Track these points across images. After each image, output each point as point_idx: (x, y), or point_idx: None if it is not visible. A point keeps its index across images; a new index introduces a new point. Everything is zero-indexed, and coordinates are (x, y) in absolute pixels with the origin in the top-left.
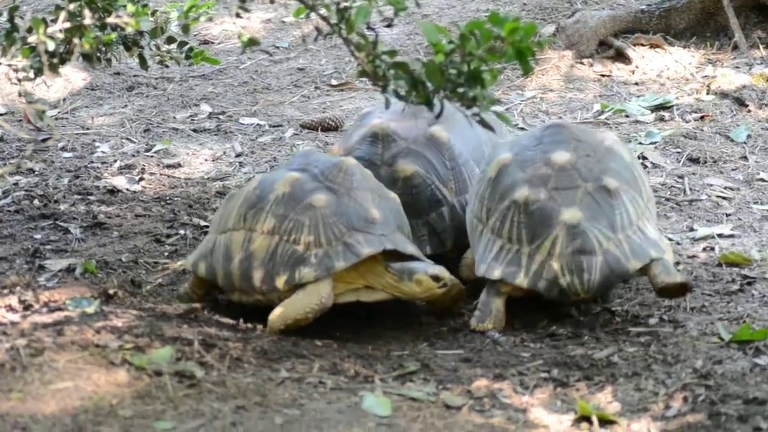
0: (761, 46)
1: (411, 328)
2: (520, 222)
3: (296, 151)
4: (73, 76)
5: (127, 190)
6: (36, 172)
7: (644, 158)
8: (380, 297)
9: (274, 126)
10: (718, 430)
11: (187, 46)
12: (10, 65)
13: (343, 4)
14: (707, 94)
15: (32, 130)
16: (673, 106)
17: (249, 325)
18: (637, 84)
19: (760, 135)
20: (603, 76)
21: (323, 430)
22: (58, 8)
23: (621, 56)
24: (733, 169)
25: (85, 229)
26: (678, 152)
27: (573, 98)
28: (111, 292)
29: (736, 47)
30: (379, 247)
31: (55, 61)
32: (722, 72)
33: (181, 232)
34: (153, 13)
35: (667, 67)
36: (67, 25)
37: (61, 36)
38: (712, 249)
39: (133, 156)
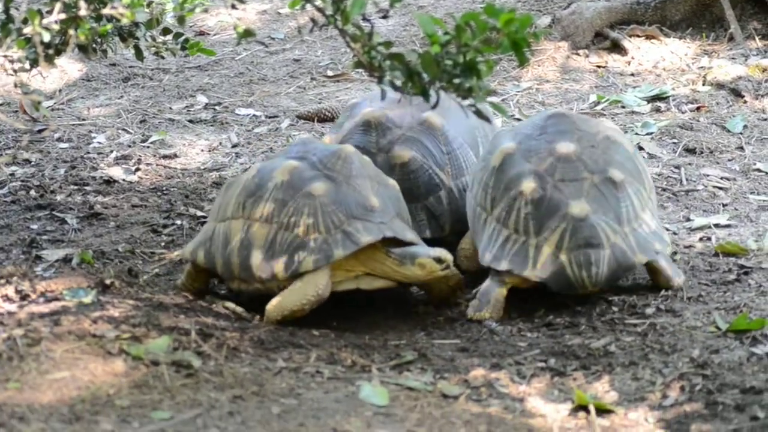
0: (757, 37)
1: (408, 318)
2: (527, 213)
3: (292, 141)
4: (69, 67)
5: (124, 180)
6: (32, 163)
7: (641, 149)
8: (381, 284)
9: (270, 117)
10: (715, 419)
11: (183, 37)
12: (5, 56)
13: None
14: (703, 84)
15: (28, 120)
16: (669, 97)
17: (246, 313)
18: (633, 75)
19: (756, 125)
20: (599, 67)
21: (320, 420)
22: None
23: (617, 47)
24: (729, 160)
25: (81, 219)
26: (674, 143)
27: (569, 89)
28: (108, 282)
29: (731, 38)
30: (378, 234)
31: (51, 52)
32: (718, 63)
33: (178, 222)
34: (149, 4)
35: (663, 58)
36: (63, 16)
37: (56, 27)
38: (709, 239)
39: (130, 147)
